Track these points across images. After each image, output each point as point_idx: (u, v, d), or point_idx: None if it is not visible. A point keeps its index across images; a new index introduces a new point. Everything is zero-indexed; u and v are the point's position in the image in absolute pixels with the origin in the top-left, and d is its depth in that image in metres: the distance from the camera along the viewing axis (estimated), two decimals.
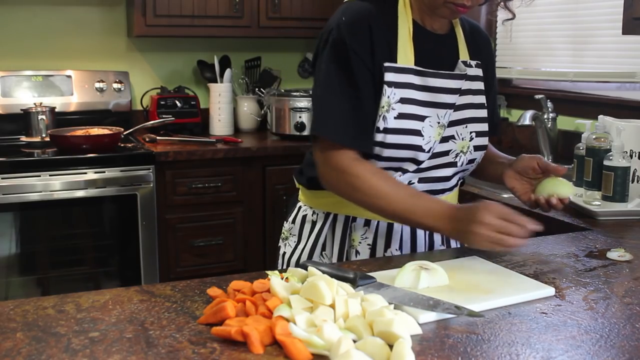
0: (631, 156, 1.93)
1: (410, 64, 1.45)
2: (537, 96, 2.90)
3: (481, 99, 1.57)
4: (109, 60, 3.55)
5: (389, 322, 0.94)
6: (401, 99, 1.43)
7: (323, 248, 1.58)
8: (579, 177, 2.01)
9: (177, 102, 3.46)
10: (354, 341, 0.93)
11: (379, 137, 1.43)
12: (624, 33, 2.10)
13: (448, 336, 1.00)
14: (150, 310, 1.08)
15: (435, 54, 1.50)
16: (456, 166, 1.53)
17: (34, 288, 2.90)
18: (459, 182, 1.64)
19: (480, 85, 1.57)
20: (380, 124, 1.42)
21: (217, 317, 1.01)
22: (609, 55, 2.74)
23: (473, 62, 1.55)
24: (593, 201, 1.91)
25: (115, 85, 3.47)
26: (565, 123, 2.90)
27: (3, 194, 2.74)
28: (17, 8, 3.35)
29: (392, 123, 1.42)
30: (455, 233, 1.38)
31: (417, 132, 1.44)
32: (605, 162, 1.88)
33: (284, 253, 1.65)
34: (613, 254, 1.45)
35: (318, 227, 1.58)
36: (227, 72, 3.50)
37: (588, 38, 2.85)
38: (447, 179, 1.54)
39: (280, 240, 1.69)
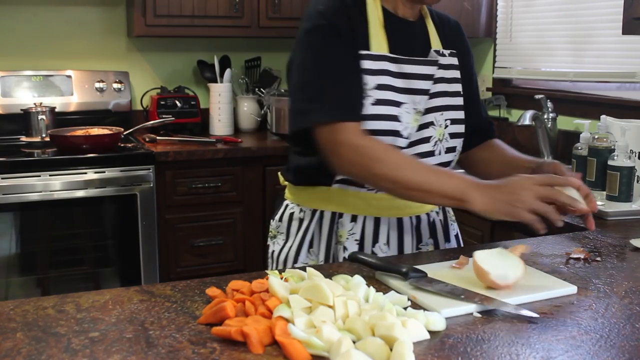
0: (630, 157, 1.93)
1: (384, 51, 1.46)
2: (537, 96, 2.90)
3: (456, 87, 1.57)
4: (109, 60, 3.55)
5: (390, 326, 0.93)
6: (378, 85, 1.43)
7: (310, 245, 1.57)
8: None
9: (177, 102, 3.46)
10: (353, 342, 0.93)
11: None
12: (624, 33, 2.10)
13: (448, 336, 1.00)
14: (150, 310, 1.08)
15: (407, 41, 1.50)
16: (434, 155, 1.52)
17: (34, 288, 2.90)
18: None
19: (455, 73, 1.57)
20: None
21: (217, 317, 1.01)
22: (609, 55, 2.74)
23: (446, 52, 1.56)
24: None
25: (115, 85, 3.47)
26: (565, 123, 2.90)
27: (3, 194, 2.74)
28: (17, 8, 3.35)
29: (370, 109, 1.42)
30: (489, 203, 1.26)
31: (395, 118, 1.44)
32: (610, 162, 1.88)
33: (273, 251, 1.66)
34: (638, 242, 1.47)
35: (305, 225, 1.58)
36: (227, 72, 3.50)
37: (588, 38, 2.84)
38: None
39: (269, 239, 1.69)
